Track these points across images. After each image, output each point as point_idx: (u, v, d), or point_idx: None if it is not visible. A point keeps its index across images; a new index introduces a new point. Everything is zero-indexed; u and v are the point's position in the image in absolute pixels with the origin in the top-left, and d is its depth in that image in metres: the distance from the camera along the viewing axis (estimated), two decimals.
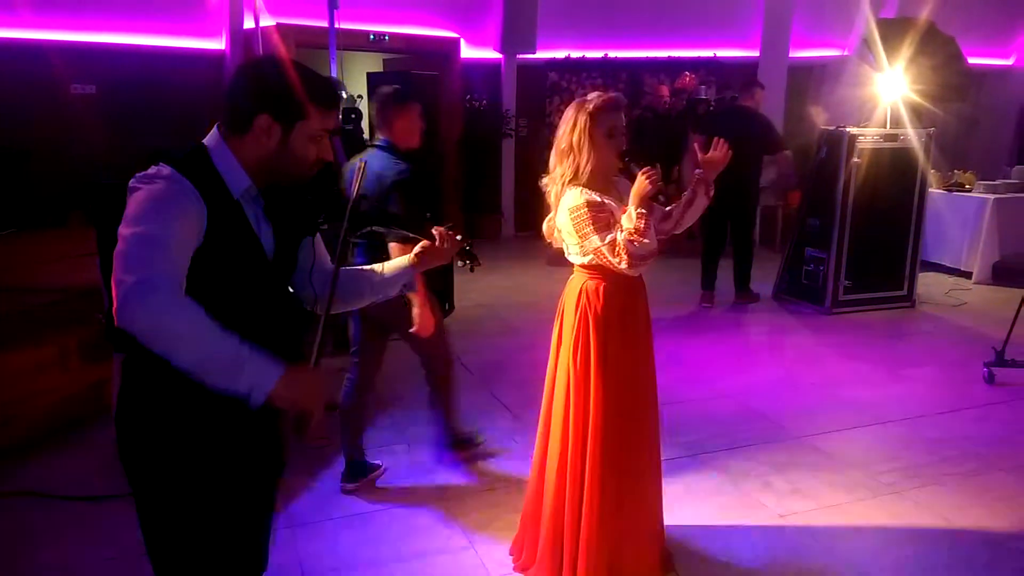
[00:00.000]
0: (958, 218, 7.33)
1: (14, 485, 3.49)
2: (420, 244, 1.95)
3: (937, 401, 4.50)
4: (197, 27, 7.56)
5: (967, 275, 7.27)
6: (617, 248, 2.48)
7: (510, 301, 6.65)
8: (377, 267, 1.95)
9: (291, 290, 1.85)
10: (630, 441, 2.69)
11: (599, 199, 2.55)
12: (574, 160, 2.57)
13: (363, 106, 6.26)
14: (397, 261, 1.96)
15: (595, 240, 2.53)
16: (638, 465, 2.72)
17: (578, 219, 2.55)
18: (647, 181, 2.43)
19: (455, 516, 3.29)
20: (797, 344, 5.63)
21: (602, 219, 2.53)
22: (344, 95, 6.43)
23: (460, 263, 2.09)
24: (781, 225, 8.69)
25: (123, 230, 1.46)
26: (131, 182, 1.55)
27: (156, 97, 7.05)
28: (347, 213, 1.73)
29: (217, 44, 7.71)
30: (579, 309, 2.67)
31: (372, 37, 8.18)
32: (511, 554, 2.98)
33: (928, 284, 7.01)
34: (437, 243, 1.92)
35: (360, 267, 1.96)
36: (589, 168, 2.57)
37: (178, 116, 6.56)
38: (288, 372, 1.49)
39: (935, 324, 6.09)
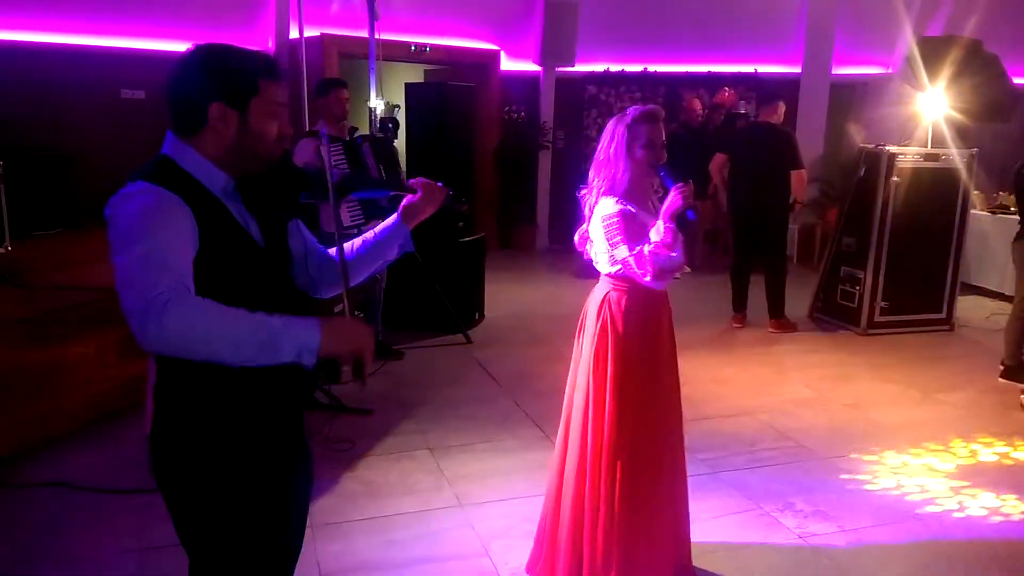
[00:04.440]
0: (1002, 240, 7.15)
1: (48, 476, 3.60)
2: (404, 199, 1.94)
3: (971, 427, 4.40)
4: (245, 35, 7.75)
5: (1010, 299, 7.08)
6: (644, 260, 2.51)
7: (539, 312, 6.68)
8: (368, 234, 1.93)
9: (292, 280, 1.83)
10: (649, 454, 2.68)
11: (632, 210, 2.58)
12: (610, 171, 2.62)
13: (401, 116, 6.35)
14: (385, 222, 1.94)
15: (623, 250, 2.56)
16: (658, 479, 2.71)
17: (609, 228, 2.58)
18: (679, 196, 2.47)
19: (472, 523, 3.32)
20: (829, 364, 5.54)
21: (633, 229, 2.55)
22: (383, 104, 6.55)
23: (450, 206, 2.03)
24: (820, 243, 8.57)
25: (116, 258, 1.43)
26: (106, 209, 1.50)
27: None
28: (330, 183, 1.73)
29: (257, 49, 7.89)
30: (600, 318, 2.69)
31: (413, 48, 8.30)
32: (527, 572, 2.96)
33: (969, 307, 6.85)
34: (420, 194, 1.92)
35: (353, 239, 1.94)
36: (625, 179, 2.61)
37: None
38: (327, 322, 1.49)
39: (973, 348, 5.96)
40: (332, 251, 1.86)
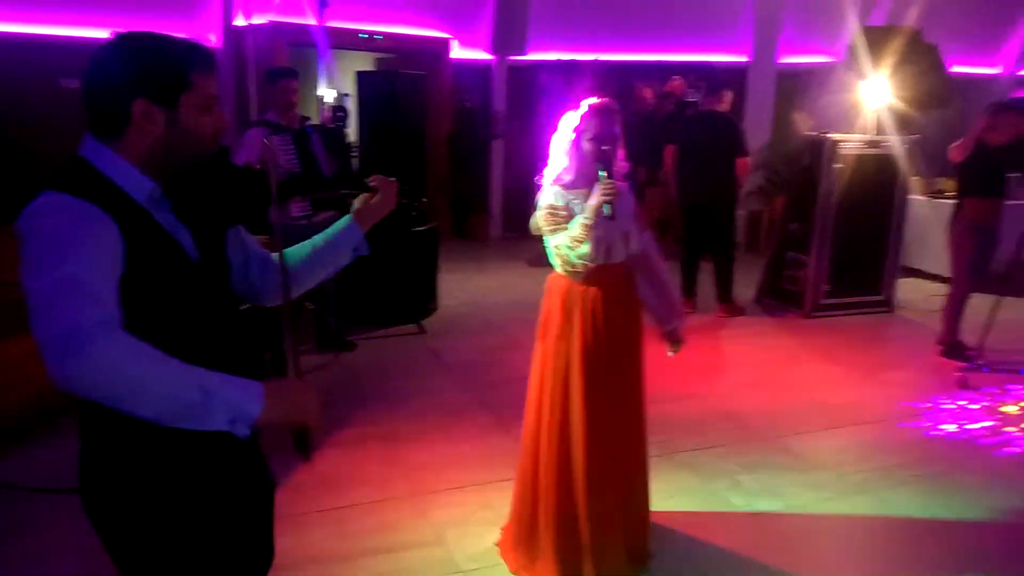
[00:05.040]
0: (939, 224, 7.38)
1: None
2: (358, 199, 1.81)
3: (911, 404, 4.56)
4: (188, 24, 7.57)
5: (947, 281, 7.32)
6: (558, 251, 2.65)
7: (494, 301, 6.70)
8: (318, 238, 1.76)
9: (233, 292, 1.67)
10: (616, 433, 2.77)
11: (563, 202, 2.66)
12: (559, 161, 2.70)
13: (351, 105, 6.29)
14: (337, 224, 1.79)
15: (553, 239, 2.68)
16: (626, 455, 2.83)
17: (544, 217, 2.70)
18: (598, 191, 2.56)
19: (426, 512, 3.33)
20: (775, 347, 5.68)
21: (561, 220, 2.66)
22: (335, 94, 6.48)
23: (402, 200, 1.95)
24: (766, 229, 8.75)
25: (28, 282, 1.23)
26: (17, 223, 1.31)
27: None
28: (272, 187, 1.57)
29: (209, 41, 7.73)
30: (554, 304, 2.77)
31: (363, 36, 8.21)
32: (504, 559, 2.98)
33: (909, 290, 7.06)
34: (377, 193, 1.79)
35: (300, 244, 1.77)
36: (572, 170, 2.68)
37: None
38: (270, 389, 1.31)
39: (912, 329, 6.16)
40: (284, 253, 1.69)
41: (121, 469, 1.46)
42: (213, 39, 7.65)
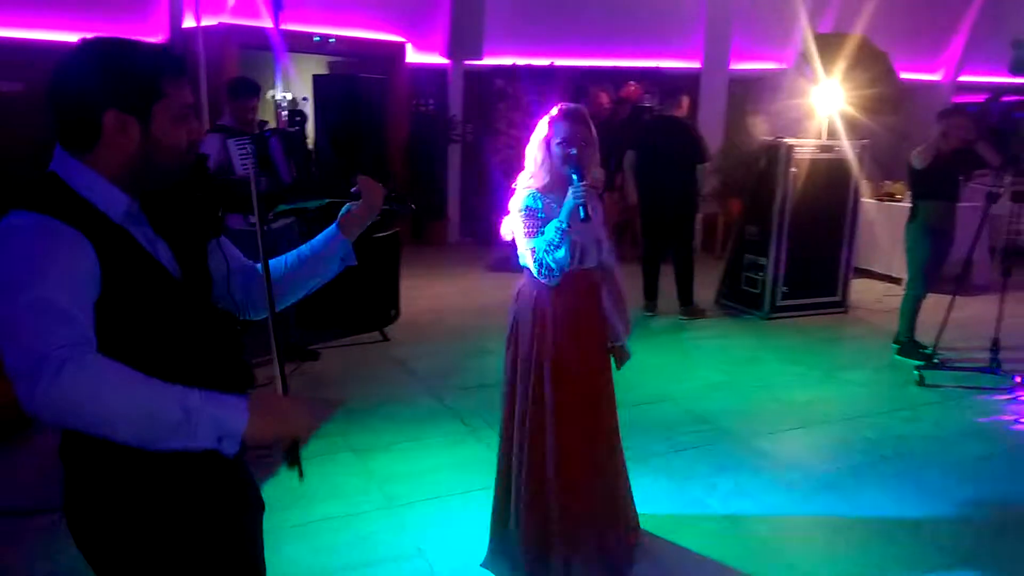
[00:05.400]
0: (888, 227, 7.61)
1: None
2: (345, 207, 1.72)
3: (872, 402, 4.67)
4: (134, 26, 7.34)
5: (897, 281, 7.55)
6: (532, 255, 2.63)
7: (456, 306, 6.64)
8: (303, 249, 1.70)
9: (215, 306, 1.60)
10: (588, 439, 2.78)
11: (540, 205, 2.66)
12: (532, 165, 2.70)
13: (308, 109, 6.18)
14: (323, 234, 1.71)
15: (529, 243, 2.66)
16: (599, 461, 2.83)
17: (521, 221, 2.68)
18: (571, 195, 2.54)
19: (403, 523, 3.27)
20: (737, 348, 5.75)
21: (534, 224, 2.65)
22: (289, 97, 6.35)
23: (388, 207, 1.82)
24: (722, 232, 8.89)
25: (1, 305, 1.19)
26: None
27: None
28: (254, 197, 1.49)
29: (156, 43, 7.50)
30: (524, 311, 2.77)
31: (317, 39, 8.08)
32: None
33: (860, 290, 7.24)
34: (363, 200, 1.70)
35: (285, 255, 1.70)
36: (543, 173, 2.67)
37: None
38: (256, 404, 1.26)
39: (867, 329, 6.31)
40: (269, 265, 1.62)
41: (106, 490, 1.40)
42: (159, 39, 7.45)
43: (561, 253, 2.58)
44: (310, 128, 6.03)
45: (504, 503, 2.89)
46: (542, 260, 2.62)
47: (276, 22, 5.40)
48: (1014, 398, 4.69)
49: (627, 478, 3.01)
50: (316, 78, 6.22)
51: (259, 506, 1.68)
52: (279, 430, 1.31)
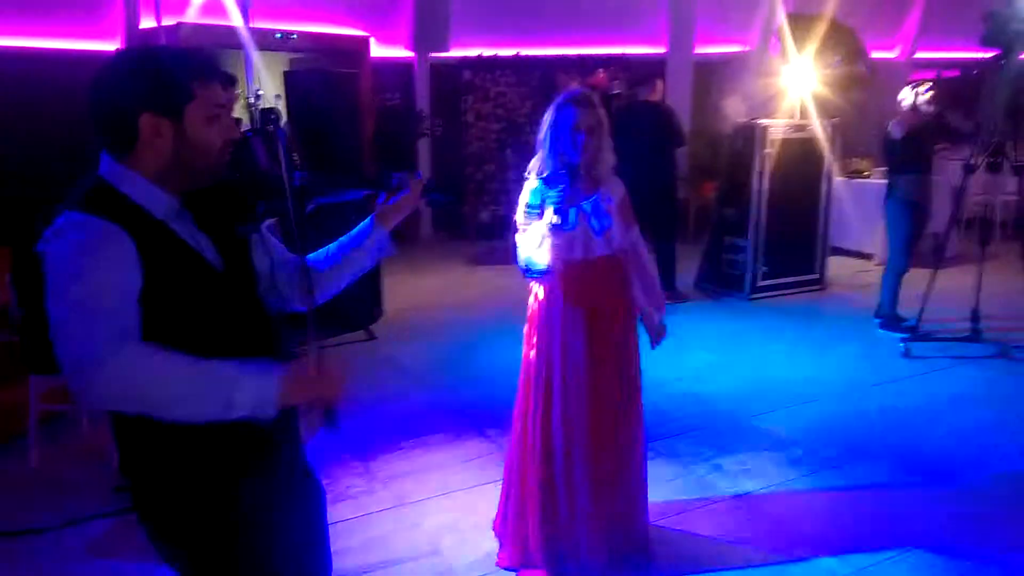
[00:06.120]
0: (859, 203, 7.74)
1: None
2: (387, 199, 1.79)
3: (863, 376, 4.74)
4: (89, 28, 7.11)
5: (869, 257, 7.69)
6: (521, 253, 2.64)
7: (441, 301, 6.59)
8: (343, 240, 1.78)
9: (261, 300, 1.65)
10: (599, 432, 2.74)
11: (538, 200, 2.64)
12: (541, 153, 2.66)
13: (281, 107, 6.05)
14: (361, 226, 1.79)
15: (520, 238, 2.67)
16: (611, 455, 2.78)
17: (520, 214, 2.69)
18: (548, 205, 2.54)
19: (416, 522, 3.22)
20: (724, 330, 5.80)
21: (533, 219, 2.63)
22: (259, 94, 6.21)
23: (427, 200, 1.90)
24: (695, 216, 8.95)
25: (50, 307, 1.30)
26: (40, 245, 1.35)
27: (43, 102, 6.57)
28: (287, 190, 1.57)
29: (113, 45, 7.28)
30: (536, 302, 2.77)
31: (279, 36, 7.92)
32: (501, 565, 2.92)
33: (835, 267, 7.34)
34: (410, 192, 1.78)
35: (325, 248, 1.78)
36: (551, 162, 2.64)
37: (66, 122, 6.12)
38: (289, 371, 1.39)
39: (847, 304, 6.41)
40: (309, 258, 1.71)
41: (158, 466, 1.48)
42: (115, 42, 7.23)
43: (542, 258, 2.57)
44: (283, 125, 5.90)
45: (517, 499, 2.86)
46: (528, 264, 2.63)
47: (246, 18, 5.26)
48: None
49: (644, 471, 2.98)
50: (288, 74, 6.09)
51: (321, 493, 1.81)
52: (310, 393, 1.44)
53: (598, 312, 2.73)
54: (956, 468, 3.59)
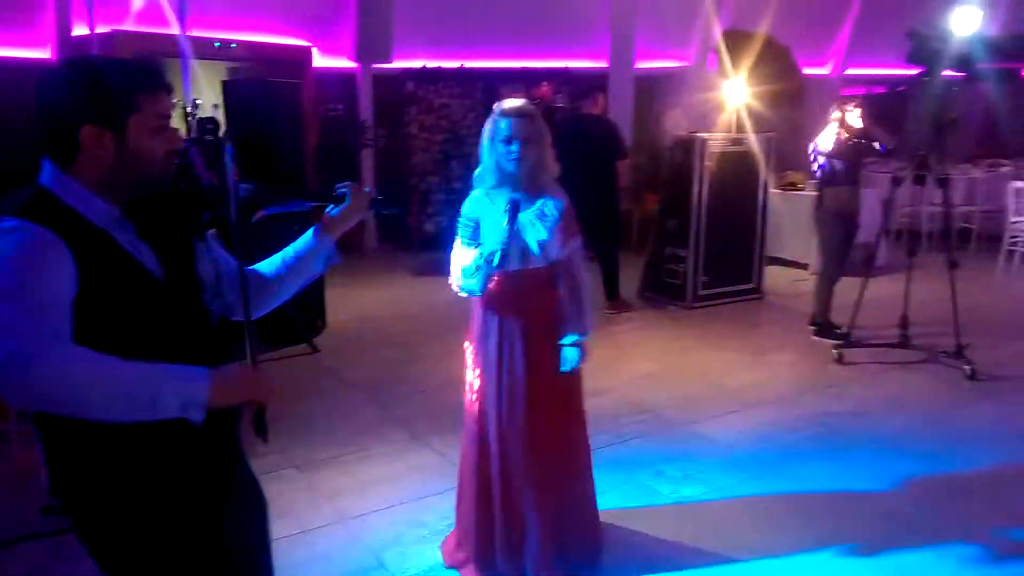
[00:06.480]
0: (793, 215, 7.97)
1: None
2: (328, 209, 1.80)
3: (800, 383, 4.88)
4: (19, 35, 6.90)
5: (804, 267, 7.91)
6: (454, 267, 2.69)
7: (384, 313, 6.54)
8: (287, 251, 1.80)
9: (206, 308, 1.65)
10: (543, 434, 2.75)
11: (475, 213, 2.69)
12: (481, 163, 2.68)
13: (220, 116, 5.94)
14: (305, 236, 1.81)
15: (454, 249, 2.72)
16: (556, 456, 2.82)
17: (458, 226, 2.73)
18: (498, 243, 2.53)
19: (359, 537, 3.19)
20: (666, 339, 5.90)
21: (464, 233, 2.69)
22: (197, 103, 6.10)
23: (374, 212, 1.93)
24: (637, 227, 9.09)
25: None
26: None
27: None
28: (232, 201, 1.55)
29: (45, 54, 7.07)
30: (476, 308, 2.81)
31: (218, 44, 7.80)
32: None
33: (772, 277, 7.52)
34: (351, 203, 1.79)
35: (270, 259, 1.80)
36: (490, 173, 2.67)
37: None
38: (219, 372, 1.39)
39: (783, 313, 6.58)
40: (254, 268, 1.75)
41: (87, 466, 1.47)
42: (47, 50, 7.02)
43: (473, 285, 2.63)
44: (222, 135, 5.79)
45: (466, 510, 2.86)
46: (459, 279, 2.68)
47: (183, 27, 5.17)
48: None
49: (591, 477, 3.00)
50: (226, 83, 5.98)
51: (262, 503, 1.79)
52: (240, 394, 1.44)
53: (535, 321, 2.73)
54: (886, 470, 3.71)
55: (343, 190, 1.79)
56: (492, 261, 2.53)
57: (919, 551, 3.05)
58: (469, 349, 2.84)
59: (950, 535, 3.15)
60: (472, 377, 2.81)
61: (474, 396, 2.80)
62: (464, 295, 2.73)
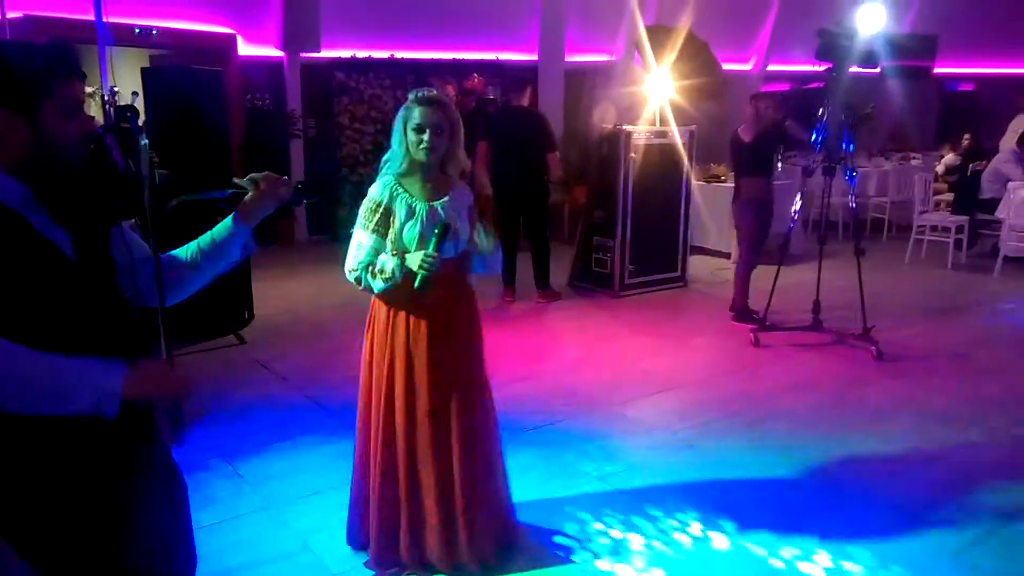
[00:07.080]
0: (715, 206, 8.23)
1: None
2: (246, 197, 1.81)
3: (718, 365, 5.08)
4: None
5: (727, 256, 8.19)
6: (353, 259, 2.61)
7: (313, 305, 6.50)
8: (203, 239, 1.80)
9: (123, 295, 1.65)
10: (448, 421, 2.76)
11: (385, 198, 2.61)
12: (391, 149, 2.68)
13: (139, 104, 5.80)
14: (222, 223, 1.81)
15: (356, 235, 2.63)
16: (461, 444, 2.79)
17: (362, 209, 2.64)
18: (418, 262, 2.48)
19: (285, 521, 3.20)
20: (594, 326, 6.04)
21: (370, 219, 2.61)
22: (116, 91, 5.93)
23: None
24: (568, 218, 9.24)
25: None
26: None
27: None
28: (144, 190, 1.58)
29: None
30: (379, 297, 2.74)
31: (138, 31, 7.59)
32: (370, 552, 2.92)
33: (695, 266, 7.77)
34: (256, 189, 1.80)
35: (186, 245, 1.81)
36: (400, 160, 2.67)
37: None
38: (135, 368, 1.41)
39: (706, 299, 6.82)
40: (170, 254, 1.75)
41: (10, 477, 1.45)
42: None
43: (377, 288, 2.58)
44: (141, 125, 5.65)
45: (364, 497, 2.88)
46: (359, 274, 2.60)
47: (101, 12, 5.03)
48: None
49: (502, 463, 3.04)
50: (145, 71, 5.85)
51: (181, 486, 1.79)
52: (155, 388, 1.47)
53: (440, 313, 2.72)
54: (796, 446, 3.91)
55: (251, 178, 1.80)
56: (416, 286, 2.47)
57: (819, 523, 3.23)
58: (368, 339, 2.79)
59: (853, 509, 3.36)
60: (374, 370, 2.78)
61: (375, 386, 2.77)
62: (360, 288, 2.64)
